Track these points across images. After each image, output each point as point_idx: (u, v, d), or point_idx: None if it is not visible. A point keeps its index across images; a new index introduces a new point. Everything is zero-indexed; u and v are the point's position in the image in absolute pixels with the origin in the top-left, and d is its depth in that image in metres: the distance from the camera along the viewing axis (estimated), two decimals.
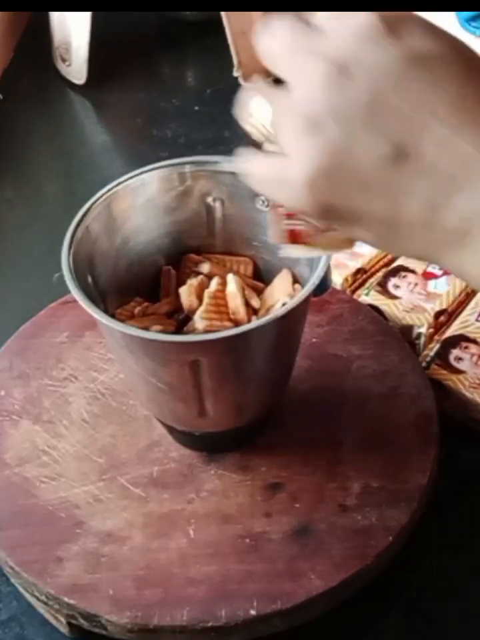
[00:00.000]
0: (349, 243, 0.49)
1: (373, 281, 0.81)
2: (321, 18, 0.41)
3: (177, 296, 0.66)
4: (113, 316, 0.62)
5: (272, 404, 0.67)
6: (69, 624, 0.63)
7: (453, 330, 0.77)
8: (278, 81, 0.42)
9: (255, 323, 0.58)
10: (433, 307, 0.79)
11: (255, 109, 0.44)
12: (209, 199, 0.66)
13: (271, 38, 0.42)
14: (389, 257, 0.83)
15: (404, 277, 0.81)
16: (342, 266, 0.82)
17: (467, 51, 0.40)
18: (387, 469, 0.66)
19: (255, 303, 0.65)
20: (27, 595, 0.65)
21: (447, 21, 1.04)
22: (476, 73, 0.39)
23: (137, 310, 0.66)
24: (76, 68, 1.11)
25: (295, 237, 0.50)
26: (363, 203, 0.40)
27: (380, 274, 0.82)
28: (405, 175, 0.39)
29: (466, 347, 0.76)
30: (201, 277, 0.66)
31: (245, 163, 0.44)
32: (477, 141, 0.38)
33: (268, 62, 0.42)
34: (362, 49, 0.39)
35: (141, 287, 0.68)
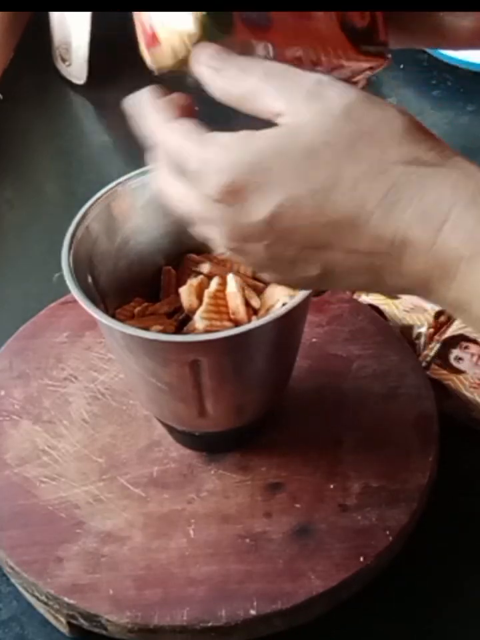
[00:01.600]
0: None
1: None
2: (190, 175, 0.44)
3: (177, 296, 0.66)
4: (113, 316, 0.62)
5: (272, 404, 0.67)
6: (69, 624, 0.63)
7: (453, 330, 0.77)
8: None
9: (255, 322, 0.58)
10: (433, 306, 0.78)
11: None
12: None
13: (167, 201, 0.47)
14: None
15: None
16: None
17: (306, 165, 0.41)
18: (387, 468, 0.66)
19: (255, 303, 0.65)
20: (27, 595, 0.65)
21: None
22: (330, 184, 0.41)
23: (136, 310, 0.66)
24: (76, 68, 1.11)
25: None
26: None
27: None
28: (337, 283, 0.45)
29: (466, 347, 0.76)
30: (201, 276, 0.66)
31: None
32: (361, 245, 0.42)
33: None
34: (230, 227, 0.43)
35: (141, 287, 0.67)
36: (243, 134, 0.42)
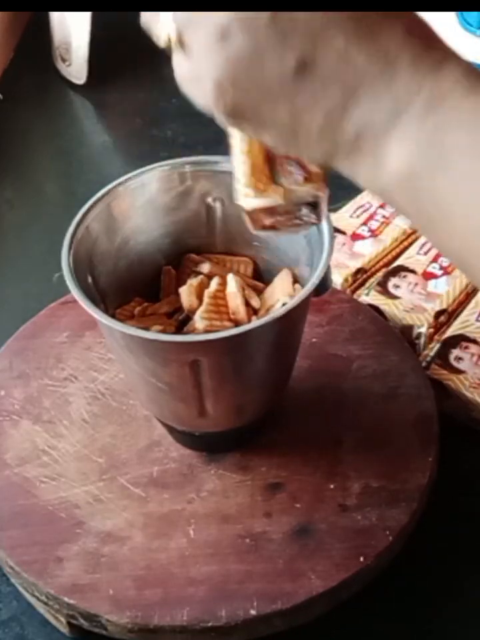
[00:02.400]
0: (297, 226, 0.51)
1: (373, 281, 0.81)
2: None
3: (177, 296, 0.66)
4: (113, 316, 0.62)
5: (272, 404, 0.67)
6: (69, 624, 0.63)
7: (453, 330, 0.77)
8: None
9: (255, 322, 0.58)
10: (433, 306, 0.79)
11: (164, 17, 0.44)
12: (209, 199, 0.66)
13: None
14: (389, 256, 0.83)
15: (404, 277, 0.81)
16: (342, 266, 0.82)
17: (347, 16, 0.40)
18: (387, 468, 0.66)
19: (255, 303, 0.65)
20: (27, 595, 0.65)
21: (447, 21, 1.04)
22: None
23: (137, 310, 0.66)
24: (76, 68, 1.11)
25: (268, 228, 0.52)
26: (268, 109, 0.42)
27: (380, 274, 0.82)
28: (306, 87, 0.41)
29: (466, 347, 0.76)
30: (200, 276, 0.66)
31: (174, 64, 0.45)
32: (372, 54, 0.40)
33: None
34: None
35: (141, 287, 0.68)
36: None
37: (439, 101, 0.39)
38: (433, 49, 0.40)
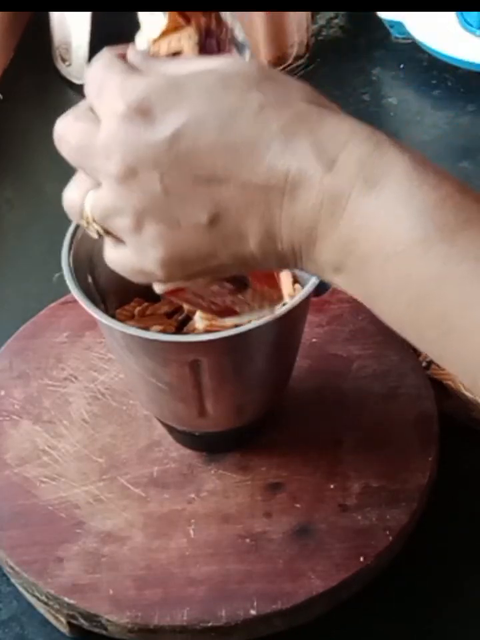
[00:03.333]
0: (276, 300, 0.54)
1: None
2: (91, 101, 0.46)
3: None
4: (113, 316, 0.62)
5: (272, 404, 0.67)
6: (69, 624, 0.63)
7: None
8: None
9: (255, 323, 0.58)
10: None
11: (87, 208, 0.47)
12: None
13: (60, 142, 0.49)
14: None
15: None
16: None
17: (218, 88, 0.42)
18: (387, 468, 0.66)
19: None
20: (27, 595, 0.65)
21: (447, 21, 1.04)
22: (236, 107, 0.42)
23: (137, 310, 0.66)
24: (76, 68, 1.11)
25: (225, 313, 0.54)
26: (212, 261, 0.44)
27: None
28: (229, 230, 0.43)
29: None
30: None
31: (107, 258, 0.48)
32: (256, 176, 0.41)
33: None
34: (131, 148, 0.42)
35: (141, 286, 0.67)
36: (158, 62, 0.45)
37: (342, 204, 0.40)
38: (325, 141, 0.41)
